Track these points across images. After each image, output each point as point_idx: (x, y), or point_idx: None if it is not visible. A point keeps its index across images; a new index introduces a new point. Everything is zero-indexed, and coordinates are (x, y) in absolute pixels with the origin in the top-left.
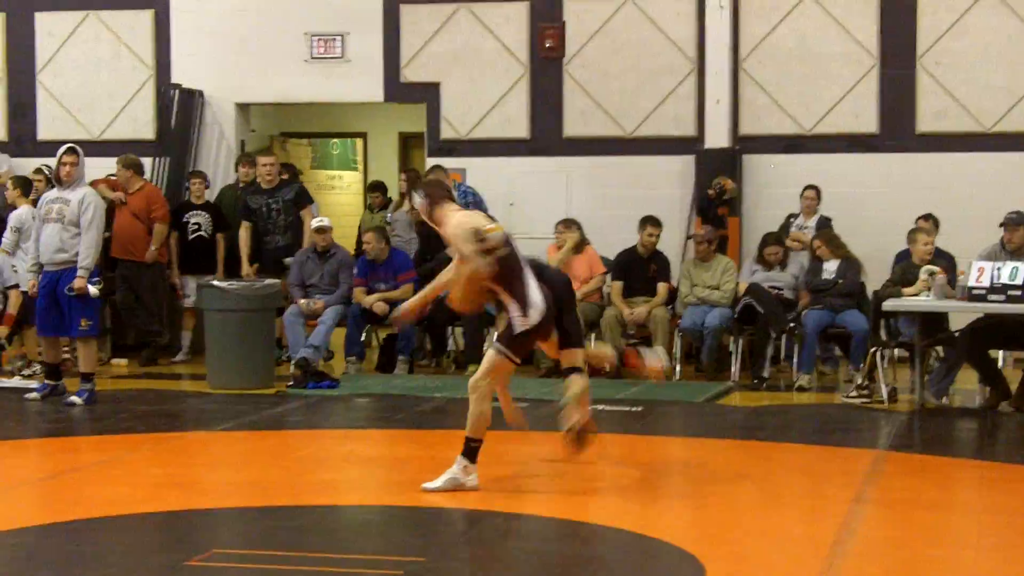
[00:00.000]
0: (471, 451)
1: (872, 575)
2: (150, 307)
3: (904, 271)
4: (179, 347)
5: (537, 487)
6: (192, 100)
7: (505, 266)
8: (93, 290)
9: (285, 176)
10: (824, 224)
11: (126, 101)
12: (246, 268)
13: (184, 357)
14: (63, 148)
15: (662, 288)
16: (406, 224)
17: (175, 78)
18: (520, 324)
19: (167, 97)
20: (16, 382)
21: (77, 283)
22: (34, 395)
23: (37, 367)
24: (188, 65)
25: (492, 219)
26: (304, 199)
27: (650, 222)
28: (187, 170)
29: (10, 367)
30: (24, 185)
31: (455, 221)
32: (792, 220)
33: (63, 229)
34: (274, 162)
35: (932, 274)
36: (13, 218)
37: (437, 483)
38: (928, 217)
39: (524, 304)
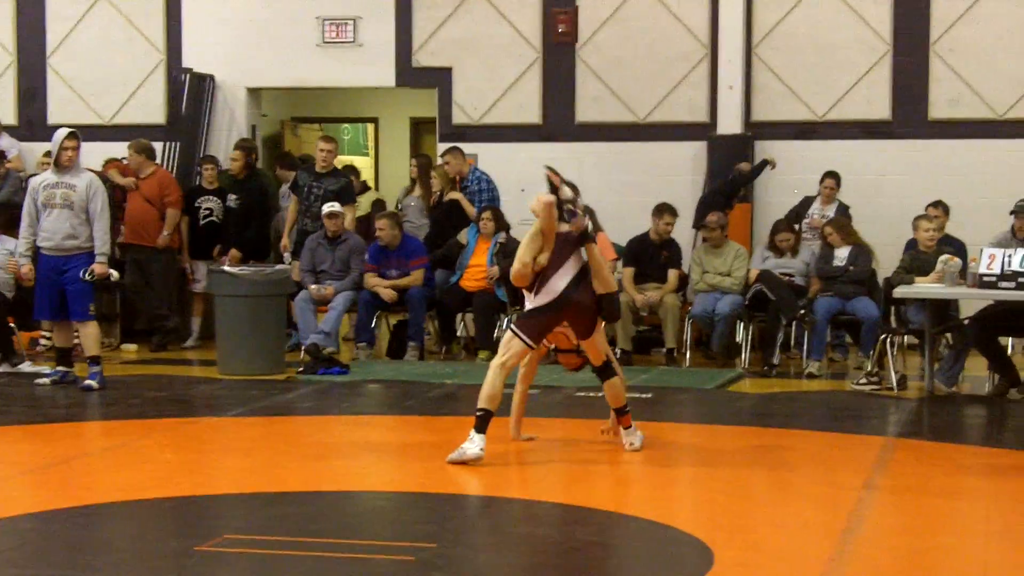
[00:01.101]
0: (478, 420)
1: (882, 562)
2: (160, 292)
3: (913, 258)
4: (190, 332)
5: (548, 473)
6: (203, 85)
7: (553, 247)
8: (115, 274)
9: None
10: (843, 212)
11: (137, 85)
12: (285, 240)
13: (194, 343)
14: (64, 132)
15: (673, 275)
16: (418, 210)
17: (186, 63)
18: (528, 302)
19: (178, 82)
20: (27, 367)
21: (99, 269)
22: (44, 381)
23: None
24: (200, 50)
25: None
26: (347, 196)
27: (667, 211)
28: (198, 155)
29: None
30: None
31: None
32: (809, 204)
33: (73, 215)
34: (332, 149)
35: (946, 262)
36: None
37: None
38: (938, 204)
39: (541, 287)
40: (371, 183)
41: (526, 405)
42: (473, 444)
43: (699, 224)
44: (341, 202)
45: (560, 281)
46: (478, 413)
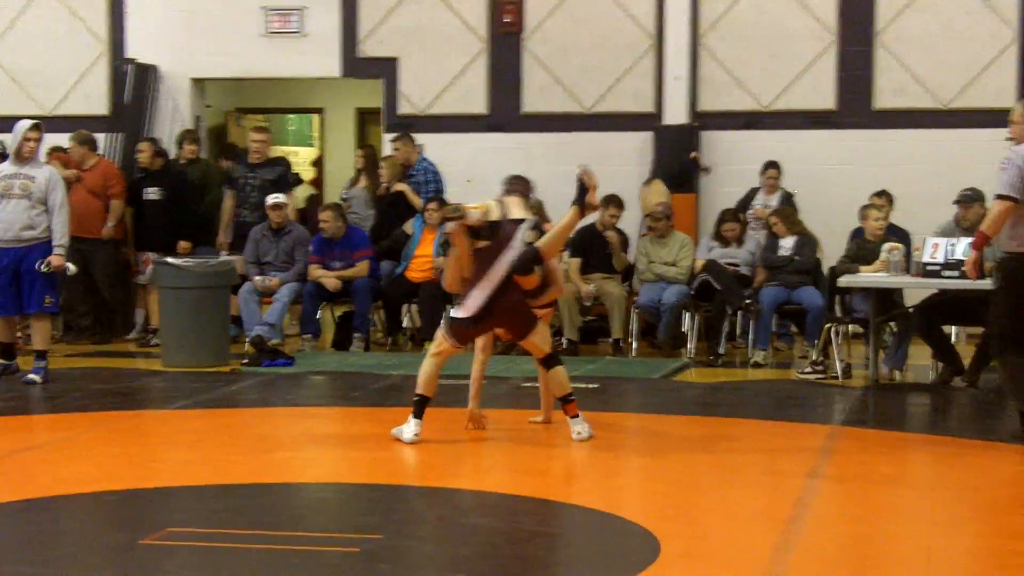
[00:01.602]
0: (415, 405)
1: (827, 550)
2: (103, 285)
3: (859, 247)
4: (133, 325)
5: (495, 464)
6: (147, 75)
7: (479, 258)
8: (72, 267)
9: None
10: (787, 201)
11: (80, 76)
12: (222, 237)
13: (138, 335)
14: (27, 124)
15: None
16: (363, 201)
17: (129, 53)
18: (453, 311)
19: (122, 72)
20: None
21: (56, 260)
22: None
23: None
24: (143, 40)
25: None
26: (285, 184)
27: (613, 202)
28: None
29: None
30: None
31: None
32: (755, 195)
33: (31, 206)
34: (266, 140)
35: (890, 251)
36: None
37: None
38: (882, 193)
39: (464, 300)
40: (316, 174)
41: (483, 376)
42: (409, 428)
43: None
44: (280, 191)
45: (478, 297)
46: (414, 398)
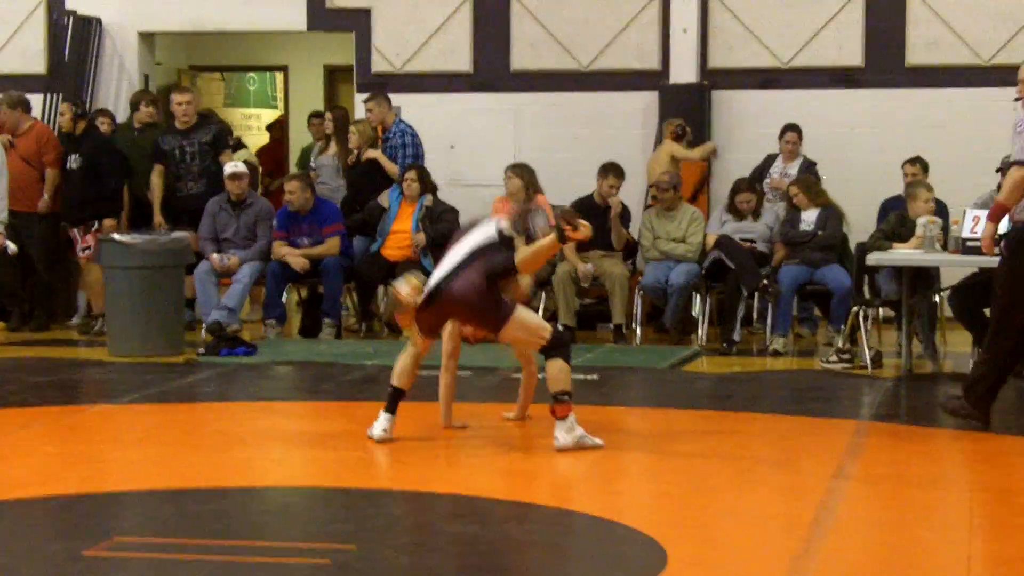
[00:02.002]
0: (388, 398)
1: (854, 559)
2: (42, 263)
3: (899, 224)
4: (75, 309)
5: (482, 465)
6: (89, 29)
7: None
8: (12, 246)
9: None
10: (808, 169)
11: (14, 30)
12: (158, 217)
13: (80, 320)
14: None
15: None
16: (333, 170)
17: (69, 4)
18: None
19: (60, 25)
20: None
21: None
22: None
23: None
24: None
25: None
26: (222, 142)
27: (612, 171)
28: (85, 108)
29: None
30: None
31: None
32: (772, 162)
33: None
34: (191, 100)
35: (926, 225)
36: None
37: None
38: (915, 160)
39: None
40: (274, 139)
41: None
42: (378, 423)
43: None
44: (218, 150)
45: (436, 274)
46: (388, 390)
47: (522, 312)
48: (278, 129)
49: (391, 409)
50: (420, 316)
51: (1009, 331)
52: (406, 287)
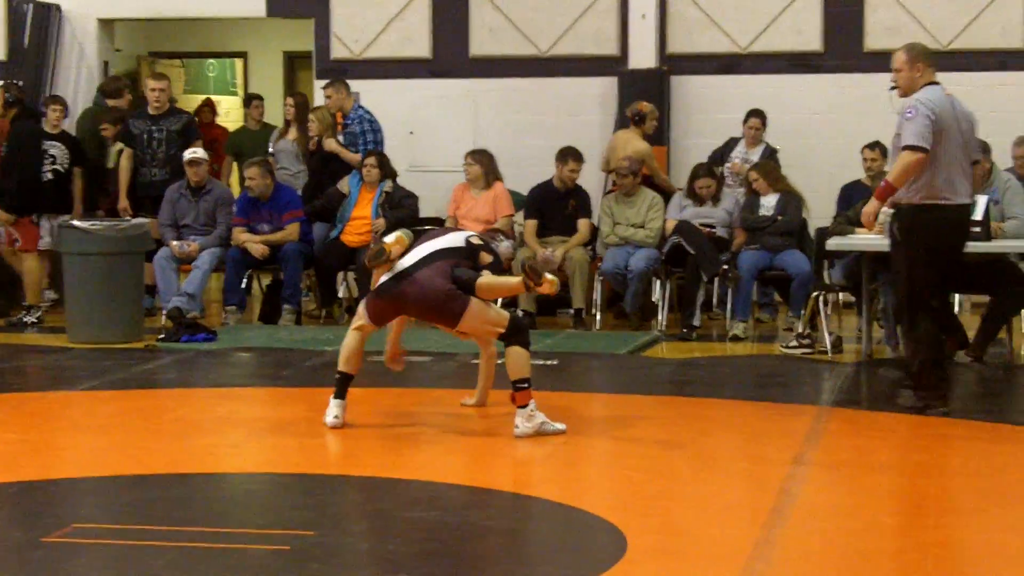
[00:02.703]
0: (335, 383)
1: (814, 545)
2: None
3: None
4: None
5: (442, 451)
6: (48, 15)
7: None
8: None
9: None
10: (770, 155)
11: None
12: (123, 200)
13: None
14: None
15: (583, 225)
16: (293, 155)
17: None
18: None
19: (19, 12)
20: None
21: None
22: None
23: None
24: None
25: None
26: (193, 134)
27: (571, 156)
28: (42, 95)
29: None
30: None
31: None
32: (733, 147)
33: None
34: (165, 87)
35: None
36: None
37: None
38: (875, 145)
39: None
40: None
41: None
42: (329, 410)
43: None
44: (187, 141)
45: (396, 267)
46: (336, 376)
47: (477, 303)
48: (209, 113)
49: (340, 395)
50: (373, 303)
51: (924, 308)
52: (392, 238)
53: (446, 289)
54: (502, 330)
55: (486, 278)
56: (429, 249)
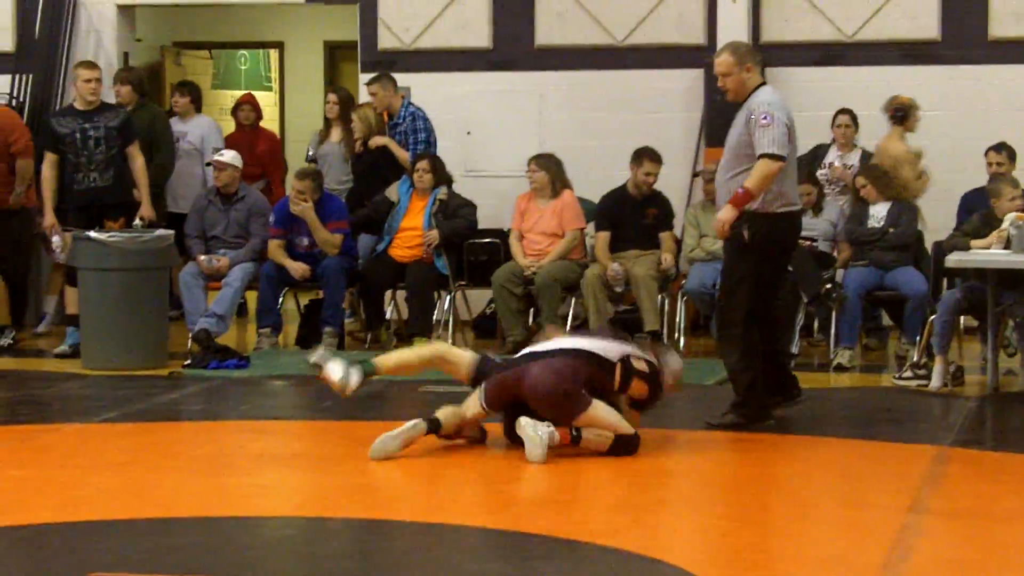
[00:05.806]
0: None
1: None
2: (9, 266)
3: (983, 224)
4: (43, 315)
5: (500, 493)
6: (62, 2)
7: None
8: None
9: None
10: (866, 160)
11: None
12: (50, 216)
13: (48, 328)
14: None
15: (667, 238)
16: (339, 159)
17: None
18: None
19: None
20: None
21: None
22: None
23: None
24: None
25: None
26: (131, 131)
27: (647, 157)
28: (55, 90)
29: None
30: None
31: None
32: (823, 152)
33: None
34: (100, 76)
35: (1014, 221)
36: None
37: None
38: (1001, 147)
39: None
40: (276, 124)
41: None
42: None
43: None
44: (127, 140)
45: (530, 348)
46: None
47: (599, 409)
48: (250, 113)
49: (425, 423)
50: (495, 380)
51: (738, 323)
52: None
53: (572, 383)
54: (610, 442)
55: (597, 411)
56: (573, 344)
